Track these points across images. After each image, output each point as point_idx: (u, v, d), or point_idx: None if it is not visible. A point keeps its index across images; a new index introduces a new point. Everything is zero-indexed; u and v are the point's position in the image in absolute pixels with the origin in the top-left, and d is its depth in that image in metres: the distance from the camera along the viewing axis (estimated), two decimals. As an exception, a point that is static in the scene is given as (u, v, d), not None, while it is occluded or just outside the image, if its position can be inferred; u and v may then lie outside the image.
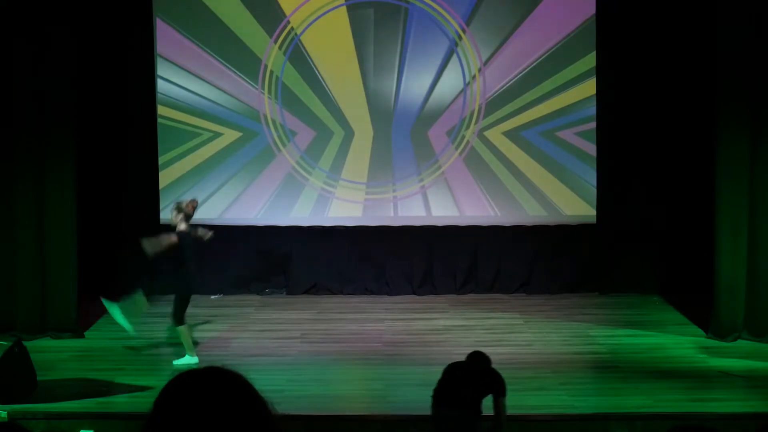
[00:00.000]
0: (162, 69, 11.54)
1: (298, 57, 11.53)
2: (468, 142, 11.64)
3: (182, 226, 9.21)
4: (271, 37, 11.52)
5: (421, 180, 11.69)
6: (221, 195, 11.69)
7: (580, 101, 11.58)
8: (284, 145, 11.65)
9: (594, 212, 11.63)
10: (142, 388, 8.40)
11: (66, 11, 10.05)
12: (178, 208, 9.24)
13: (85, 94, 11.01)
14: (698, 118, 11.25)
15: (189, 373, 1.97)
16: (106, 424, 7.70)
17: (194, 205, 9.36)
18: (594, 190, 11.65)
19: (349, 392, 9.09)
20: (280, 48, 11.54)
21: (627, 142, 11.58)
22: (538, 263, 11.79)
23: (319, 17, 11.50)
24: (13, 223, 10.09)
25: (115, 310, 9.27)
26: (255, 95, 11.59)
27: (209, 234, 9.48)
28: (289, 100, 11.60)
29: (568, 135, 11.62)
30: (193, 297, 11.69)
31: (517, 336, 10.26)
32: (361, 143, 11.66)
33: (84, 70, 10.88)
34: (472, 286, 11.93)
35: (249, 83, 11.57)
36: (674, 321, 10.78)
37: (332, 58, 11.54)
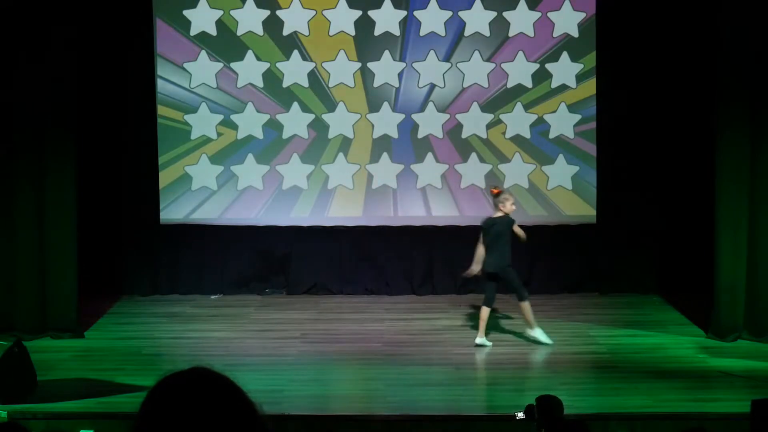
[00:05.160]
0: (162, 69, 11.54)
1: (298, 56, 11.52)
2: (468, 141, 11.64)
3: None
4: (271, 36, 11.52)
5: (421, 180, 11.68)
6: (221, 195, 11.68)
7: (580, 101, 11.58)
8: (284, 144, 11.64)
9: (594, 212, 11.63)
10: (142, 388, 8.36)
11: (66, 11, 10.05)
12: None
13: (85, 94, 11.00)
14: (698, 117, 11.25)
15: (176, 375, 1.95)
16: (106, 424, 7.70)
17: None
18: (594, 190, 11.65)
19: (349, 392, 9.09)
20: (280, 47, 11.54)
21: (627, 142, 11.58)
22: (538, 263, 11.78)
23: (319, 17, 11.49)
24: (13, 223, 10.09)
25: None
26: (255, 95, 11.59)
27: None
28: (288, 99, 11.60)
29: (568, 135, 11.62)
30: (194, 297, 11.76)
31: (517, 336, 10.25)
32: (361, 143, 11.66)
33: (84, 70, 10.87)
34: (472, 286, 11.90)
35: (249, 83, 11.57)
36: (674, 321, 10.77)
37: (332, 57, 11.53)
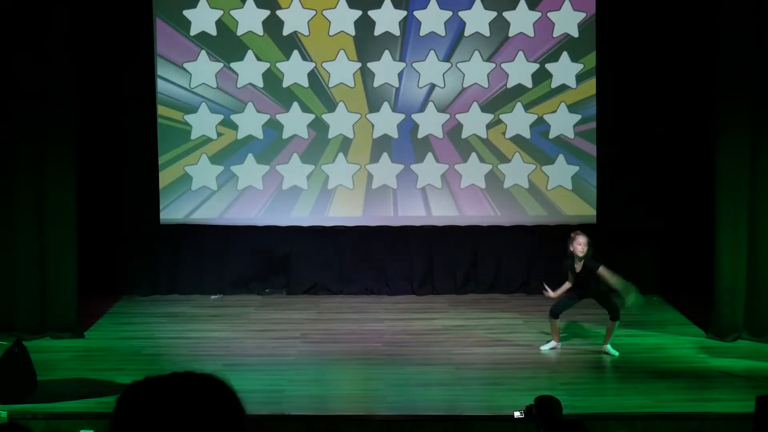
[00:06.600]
0: (162, 69, 11.54)
1: (298, 56, 11.52)
2: (468, 141, 11.64)
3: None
4: (271, 36, 11.52)
5: (421, 180, 11.68)
6: (221, 195, 11.68)
7: (580, 101, 11.58)
8: (284, 144, 11.65)
9: (594, 212, 11.63)
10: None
11: (66, 11, 10.05)
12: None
13: (85, 94, 11.01)
14: (698, 118, 11.26)
15: (150, 378, 1.92)
16: (106, 424, 7.67)
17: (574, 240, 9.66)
18: (594, 190, 11.65)
19: (349, 392, 9.09)
20: (280, 47, 11.54)
21: (627, 142, 11.58)
22: (538, 263, 11.78)
23: (319, 17, 11.49)
24: (13, 223, 10.09)
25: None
26: (255, 95, 11.59)
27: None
28: (288, 99, 11.60)
29: (568, 135, 11.62)
30: (195, 297, 11.76)
31: (517, 336, 10.26)
32: (361, 143, 11.66)
33: (84, 70, 10.88)
34: (472, 286, 11.93)
35: (249, 83, 11.57)
36: (674, 321, 10.78)
37: (332, 57, 11.53)
